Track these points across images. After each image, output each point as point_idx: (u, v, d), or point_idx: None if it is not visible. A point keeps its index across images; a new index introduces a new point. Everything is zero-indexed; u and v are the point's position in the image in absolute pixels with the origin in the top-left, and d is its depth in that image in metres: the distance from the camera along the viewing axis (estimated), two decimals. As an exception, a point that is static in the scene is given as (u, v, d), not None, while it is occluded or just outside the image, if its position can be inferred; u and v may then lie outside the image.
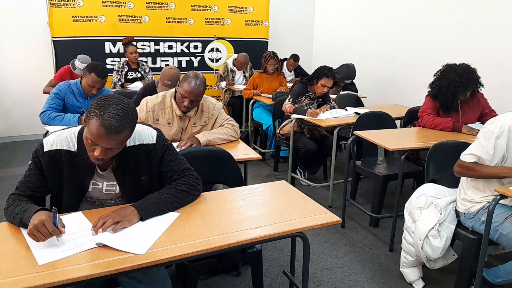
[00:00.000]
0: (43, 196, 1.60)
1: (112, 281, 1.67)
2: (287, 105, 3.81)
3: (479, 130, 2.92)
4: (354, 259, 2.74)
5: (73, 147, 1.56)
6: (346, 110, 3.82)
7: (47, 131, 2.94)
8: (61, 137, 1.57)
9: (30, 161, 1.58)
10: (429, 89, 3.20)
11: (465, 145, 2.45)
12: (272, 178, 4.19)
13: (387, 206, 3.32)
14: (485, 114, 3.23)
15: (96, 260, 1.27)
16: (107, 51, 5.42)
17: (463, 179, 2.25)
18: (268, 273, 2.53)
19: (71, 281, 1.18)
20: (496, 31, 3.97)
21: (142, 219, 1.51)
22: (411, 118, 3.67)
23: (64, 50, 5.08)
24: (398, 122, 3.99)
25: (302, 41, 6.84)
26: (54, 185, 1.58)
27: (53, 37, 5.09)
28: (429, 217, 2.25)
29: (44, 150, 1.54)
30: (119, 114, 1.41)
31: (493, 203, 1.98)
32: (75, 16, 5.15)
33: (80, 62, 4.27)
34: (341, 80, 4.97)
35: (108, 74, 4.99)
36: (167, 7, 5.61)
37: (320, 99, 3.96)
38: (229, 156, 2.21)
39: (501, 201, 2.07)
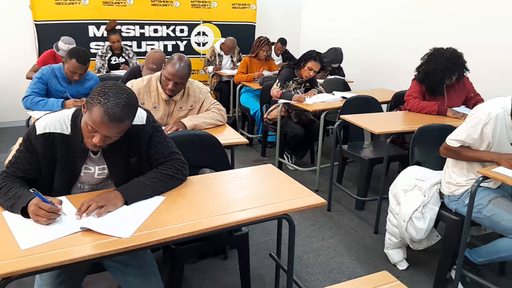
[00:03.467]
0: (34, 178, 1.57)
1: (98, 266, 1.66)
2: (275, 90, 3.80)
3: (463, 113, 2.98)
4: (340, 241, 2.78)
5: (67, 130, 1.55)
6: (333, 94, 3.82)
7: (30, 117, 2.90)
8: (54, 120, 1.55)
9: (20, 142, 1.56)
10: (416, 73, 3.21)
11: (450, 128, 2.49)
12: (260, 163, 4.17)
13: (373, 189, 3.36)
14: (470, 98, 3.27)
15: (80, 244, 1.26)
16: (91, 35, 5.31)
17: (448, 163, 2.28)
18: (255, 256, 2.56)
19: (54, 265, 1.17)
20: (482, 16, 3.99)
21: (127, 203, 1.50)
22: (398, 102, 3.69)
23: (47, 34, 4.96)
24: (384, 106, 4.01)
25: (290, 25, 6.79)
26: (46, 168, 1.56)
27: (35, 21, 4.96)
28: (413, 199, 2.29)
29: (37, 133, 1.51)
30: (122, 103, 1.41)
31: (476, 184, 2.02)
32: (58, -1, 5.02)
33: (64, 43, 4.19)
34: (329, 64, 4.96)
35: (92, 59, 4.92)
36: (152, -11, 5.50)
37: (308, 84, 3.95)
38: (216, 141, 2.20)
39: (485, 184, 2.12)
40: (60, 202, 1.41)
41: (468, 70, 3.12)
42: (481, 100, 3.22)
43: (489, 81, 3.69)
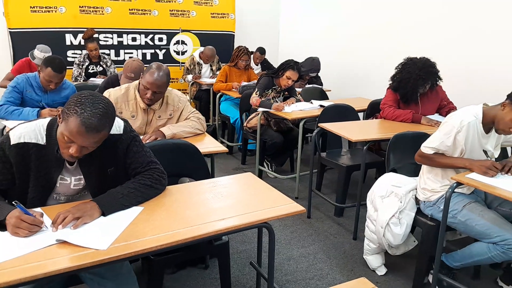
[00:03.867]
0: (7, 189, 1.54)
1: (74, 278, 1.63)
2: (254, 98, 3.83)
3: (437, 121, 3.06)
4: (320, 248, 2.80)
5: (42, 140, 1.52)
6: (311, 103, 3.87)
7: (4, 126, 2.83)
8: (29, 130, 1.52)
9: None
10: (390, 82, 3.29)
11: (424, 136, 2.56)
12: (240, 171, 4.18)
13: (351, 195, 3.40)
14: (443, 106, 3.36)
15: (56, 256, 1.23)
16: (67, 43, 5.24)
17: (423, 169, 2.33)
18: (235, 264, 2.55)
19: (29, 279, 1.14)
20: (454, 26, 4.12)
21: (104, 214, 1.48)
22: (373, 110, 3.76)
23: (22, 42, 4.87)
24: (361, 115, 4.08)
25: (268, 35, 6.85)
26: (21, 178, 1.53)
27: (9, 29, 4.87)
28: (390, 205, 2.33)
29: (11, 143, 1.48)
30: (99, 113, 1.40)
31: (450, 190, 2.07)
32: (33, 7, 4.95)
33: (39, 52, 4.12)
34: (306, 73, 5.03)
35: (69, 67, 4.84)
36: (130, -2, 5.48)
37: (286, 92, 3.99)
38: (195, 149, 2.19)
39: (459, 190, 2.17)
40: (42, 215, 1.38)
41: (440, 79, 3.21)
42: (454, 108, 3.31)
43: (461, 89, 3.81)
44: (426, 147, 2.19)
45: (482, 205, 2.16)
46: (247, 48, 4.95)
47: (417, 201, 2.37)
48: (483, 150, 2.15)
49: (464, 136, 2.07)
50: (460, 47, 4.06)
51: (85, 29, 5.11)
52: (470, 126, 2.06)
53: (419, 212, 2.35)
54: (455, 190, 2.11)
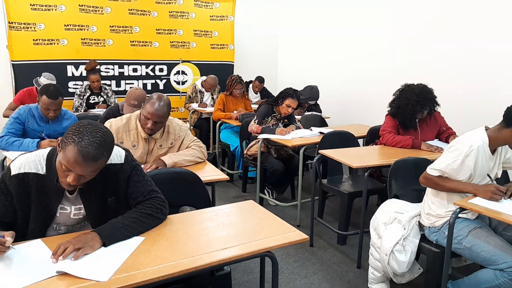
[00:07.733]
0: (12, 222, 1.54)
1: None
2: (253, 126, 3.85)
3: (437, 147, 3.07)
4: (323, 278, 2.75)
5: (42, 170, 1.53)
6: (311, 130, 3.89)
7: (5, 157, 2.84)
8: (29, 160, 1.53)
9: None
10: (389, 108, 3.32)
11: (425, 161, 2.56)
12: (241, 199, 4.17)
13: (354, 223, 3.36)
14: (443, 131, 3.38)
15: (56, 289, 1.21)
16: (69, 74, 5.31)
17: (428, 194, 2.32)
18: (237, 296, 2.50)
19: (27, 312, 1.12)
20: (450, 54, 4.20)
21: (105, 245, 1.46)
22: (373, 136, 3.78)
23: (24, 74, 4.94)
24: (360, 141, 4.10)
25: (267, 64, 6.97)
26: (22, 209, 1.53)
27: (12, 61, 4.95)
28: (393, 232, 2.30)
29: (12, 174, 1.49)
30: (97, 142, 1.41)
31: (453, 215, 2.05)
32: (36, 40, 5.05)
33: (46, 79, 4.18)
34: (305, 101, 5.08)
35: (70, 98, 4.89)
36: (131, 30, 5.59)
37: (286, 120, 4.02)
38: (196, 178, 2.19)
39: (464, 215, 2.15)
40: (12, 235, 1.36)
41: (438, 105, 3.24)
42: (454, 134, 3.32)
43: (460, 114, 3.84)
44: (432, 169, 2.18)
45: (488, 231, 2.13)
46: (240, 77, 5.03)
47: (421, 227, 2.35)
48: (487, 174, 2.15)
49: (474, 160, 2.07)
50: (457, 74, 4.12)
51: (87, 61, 5.20)
52: (479, 150, 2.07)
53: (423, 238, 2.32)
54: (460, 215, 2.09)
